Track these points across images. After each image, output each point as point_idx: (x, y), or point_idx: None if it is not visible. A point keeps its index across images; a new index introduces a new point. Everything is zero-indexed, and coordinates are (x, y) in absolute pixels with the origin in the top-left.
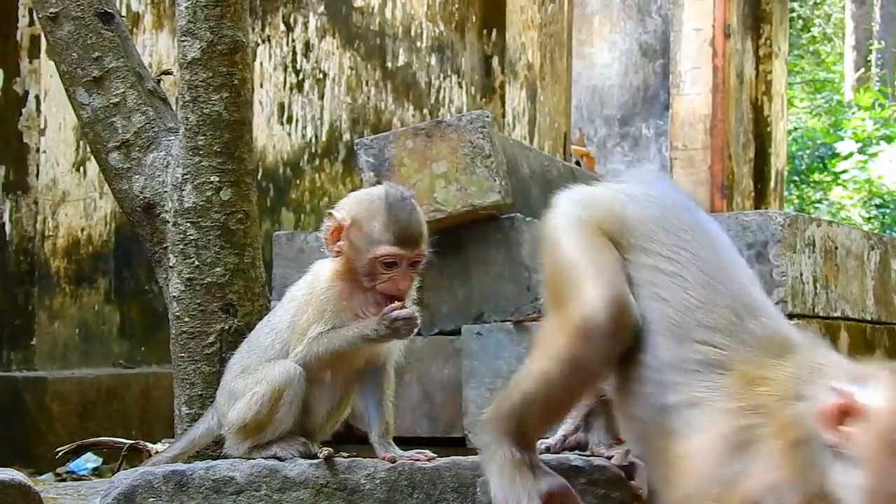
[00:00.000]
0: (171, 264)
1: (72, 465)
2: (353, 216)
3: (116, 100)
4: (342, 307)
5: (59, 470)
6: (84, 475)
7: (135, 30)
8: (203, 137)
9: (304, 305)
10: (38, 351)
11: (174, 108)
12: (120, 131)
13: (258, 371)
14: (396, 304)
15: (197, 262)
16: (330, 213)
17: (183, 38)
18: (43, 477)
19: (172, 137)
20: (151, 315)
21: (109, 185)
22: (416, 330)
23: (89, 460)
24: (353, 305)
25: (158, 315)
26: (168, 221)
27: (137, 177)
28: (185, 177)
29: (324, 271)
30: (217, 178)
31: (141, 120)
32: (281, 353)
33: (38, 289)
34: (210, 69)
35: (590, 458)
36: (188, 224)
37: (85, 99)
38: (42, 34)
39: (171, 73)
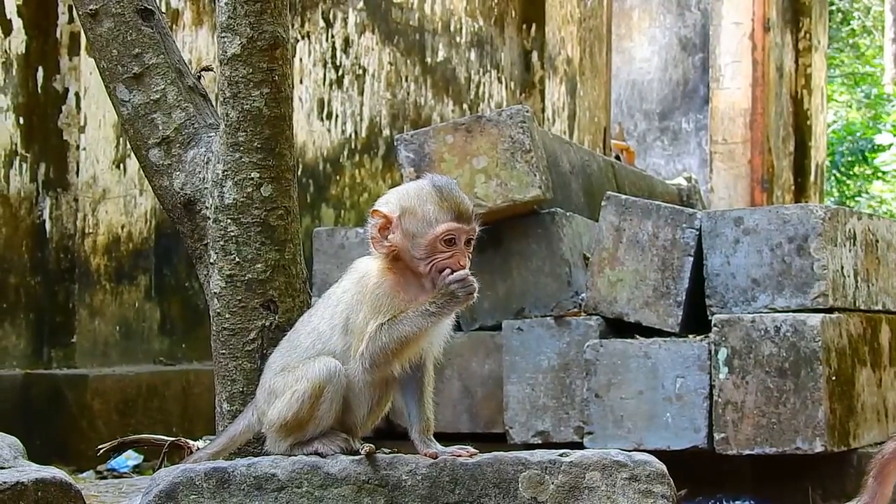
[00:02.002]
0: (211, 261)
1: (113, 463)
2: (403, 206)
3: (157, 96)
4: (398, 299)
5: (100, 467)
6: (125, 472)
7: (174, 26)
8: (243, 134)
9: (357, 305)
10: (78, 348)
11: (214, 104)
12: (160, 128)
13: (298, 368)
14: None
15: (238, 259)
16: (375, 211)
17: (223, 34)
18: (84, 474)
19: (213, 134)
20: (192, 311)
21: (150, 181)
22: (474, 292)
23: (130, 458)
24: (408, 298)
25: (199, 311)
26: (209, 218)
27: (178, 173)
28: (226, 173)
29: (371, 269)
30: (257, 175)
31: (181, 116)
32: (322, 353)
33: (79, 286)
34: (250, 65)
35: (631, 452)
36: (229, 220)
37: (125, 96)
38: (82, 31)
39: (211, 70)
